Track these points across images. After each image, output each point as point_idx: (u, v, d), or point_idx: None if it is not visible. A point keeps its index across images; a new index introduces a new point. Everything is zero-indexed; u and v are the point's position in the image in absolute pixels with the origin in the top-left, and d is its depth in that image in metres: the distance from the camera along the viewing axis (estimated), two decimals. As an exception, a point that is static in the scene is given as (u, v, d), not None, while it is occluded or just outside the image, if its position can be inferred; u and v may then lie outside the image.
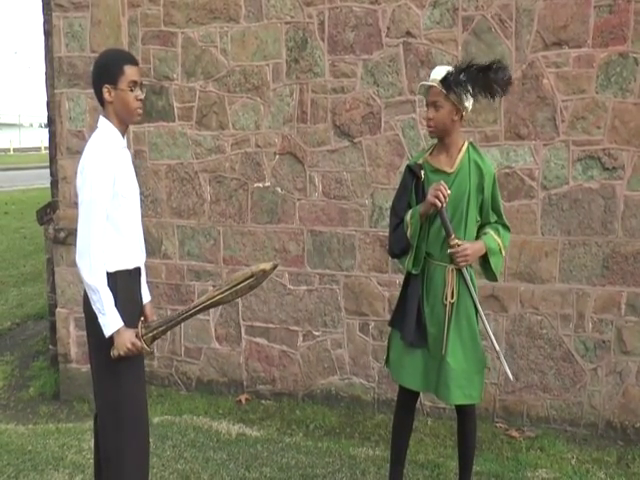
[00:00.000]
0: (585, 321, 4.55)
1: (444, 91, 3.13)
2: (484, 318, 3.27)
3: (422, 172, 3.28)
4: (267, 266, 2.87)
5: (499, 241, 3.31)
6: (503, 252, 3.36)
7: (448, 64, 4.51)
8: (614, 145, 4.41)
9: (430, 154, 3.34)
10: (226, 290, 2.88)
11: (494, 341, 3.29)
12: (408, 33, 4.71)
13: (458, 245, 3.17)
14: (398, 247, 3.36)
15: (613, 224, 4.45)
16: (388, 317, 4.80)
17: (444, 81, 3.12)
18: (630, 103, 4.36)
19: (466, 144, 3.28)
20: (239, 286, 2.87)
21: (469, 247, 3.19)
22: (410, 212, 3.29)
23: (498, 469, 4.08)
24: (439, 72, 3.18)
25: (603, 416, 4.58)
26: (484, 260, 3.32)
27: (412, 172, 3.31)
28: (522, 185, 4.58)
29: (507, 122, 4.58)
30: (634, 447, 4.44)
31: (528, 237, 4.59)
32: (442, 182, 3.14)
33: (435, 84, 3.16)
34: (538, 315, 4.62)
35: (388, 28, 4.74)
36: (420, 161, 3.33)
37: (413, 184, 3.32)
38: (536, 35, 4.47)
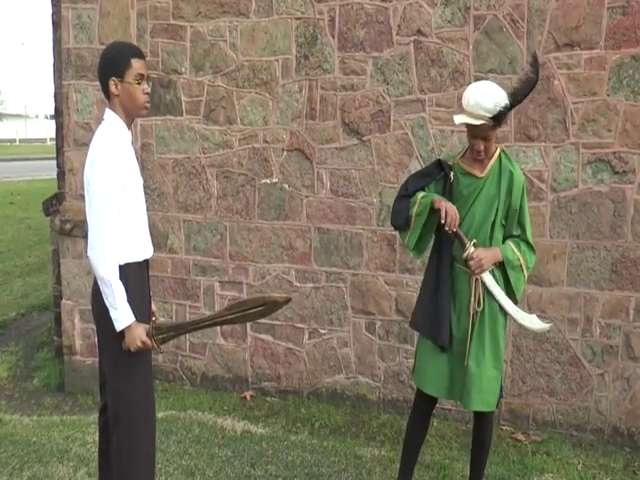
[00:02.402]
0: (593, 326, 4.53)
1: (494, 124, 3.07)
2: (517, 316, 3.28)
3: (452, 174, 3.25)
4: (280, 298, 2.93)
5: (519, 256, 3.23)
6: (525, 271, 3.27)
7: (459, 63, 4.53)
8: (625, 149, 4.38)
9: (462, 156, 3.31)
10: (236, 312, 2.93)
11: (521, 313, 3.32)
12: (419, 31, 4.67)
13: (472, 255, 3.14)
14: (398, 219, 3.32)
15: (622, 228, 4.42)
16: (395, 317, 4.84)
17: (496, 118, 3.04)
18: (642, 106, 4.34)
19: (498, 150, 3.26)
20: (249, 311, 2.92)
21: (482, 253, 3.15)
22: (424, 193, 3.24)
23: (504, 472, 4.08)
24: (486, 106, 3.01)
25: (610, 422, 4.57)
26: (504, 273, 3.26)
27: (441, 167, 3.27)
28: (531, 187, 4.54)
29: (517, 123, 4.55)
30: (641, 454, 4.44)
31: (536, 239, 4.48)
32: (455, 210, 3.13)
33: (485, 121, 3.04)
34: (545, 318, 4.56)
35: (399, 26, 4.71)
36: (450, 162, 3.30)
37: (437, 178, 3.29)
38: (548, 36, 4.44)
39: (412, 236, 3.29)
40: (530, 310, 4.59)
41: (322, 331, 5.12)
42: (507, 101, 3.04)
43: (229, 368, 5.38)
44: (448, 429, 4.70)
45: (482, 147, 3.13)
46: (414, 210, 3.23)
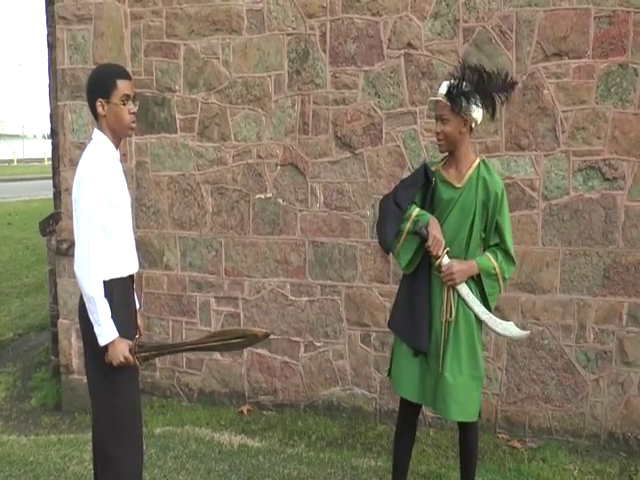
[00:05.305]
0: (586, 331, 4.55)
1: (449, 104, 3.14)
2: (491, 323, 3.26)
3: (434, 179, 3.28)
4: (260, 332, 3.05)
5: (495, 264, 3.23)
6: (500, 280, 3.27)
7: (449, 75, 4.57)
8: (614, 155, 4.42)
9: (443, 165, 3.35)
10: (219, 340, 3.06)
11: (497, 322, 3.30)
12: (409, 44, 4.73)
13: (444, 267, 3.17)
14: (389, 236, 3.27)
15: (614, 234, 4.45)
16: (390, 328, 4.82)
17: (448, 94, 3.15)
18: (630, 113, 4.38)
19: (478, 160, 3.29)
20: (230, 341, 3.05)
21: (455, 266, 3.17)
22: (418, 210, 3.25)
23: (500, 480, 4.08)
24: (444, 86, 3.20)
25: (605, 427, 4.57)
26: (480, 283, 3.26)
27: (426, 173, 3.29)
28: (523, 195, 4.59)
29: (508, 133, 4.59)
30: (637, 458, 4.42)
31: (529, 247, 4.59)
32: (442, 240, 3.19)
33: (441, 98, 3.18)
34: (539, 325, 4.62)
35: (389, 40, 4.77)
36: (433, 168, 3.33)
37: (423, 184, 3.30)
38: (536, 46, 4.49)
39: (404, 255, 3.29)
40: (524, 317, 4.62)
41: (318, 344, 5.13)
42: (456, 82, 3.14)
43: (226, 383, 5.38)
44: (444, 438, 4.68)
45: (439, 129, 3.22)
46: (406, 226, 3.24)
